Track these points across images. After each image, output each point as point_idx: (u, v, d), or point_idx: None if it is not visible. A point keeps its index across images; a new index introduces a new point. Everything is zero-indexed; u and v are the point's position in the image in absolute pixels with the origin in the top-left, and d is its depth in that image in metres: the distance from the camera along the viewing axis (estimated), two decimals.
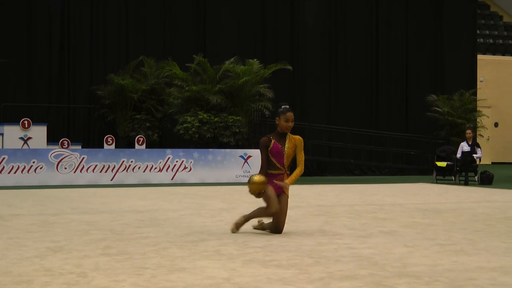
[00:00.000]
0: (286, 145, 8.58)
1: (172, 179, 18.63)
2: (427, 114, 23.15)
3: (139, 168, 18.47)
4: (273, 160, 8.55)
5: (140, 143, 19.36)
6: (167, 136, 21.02)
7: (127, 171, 18.36)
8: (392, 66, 24.85)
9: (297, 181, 19.84)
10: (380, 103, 24.38)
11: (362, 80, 24.22)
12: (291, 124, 8.55)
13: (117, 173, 18.27)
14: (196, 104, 19.75)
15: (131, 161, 18.43)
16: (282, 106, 8.67)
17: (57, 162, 17.80)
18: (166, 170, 18.66)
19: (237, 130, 19.44)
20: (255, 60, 20.37)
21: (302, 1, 23.56)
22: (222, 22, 22.54)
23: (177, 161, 18.75)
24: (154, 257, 6.63)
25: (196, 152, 18.97)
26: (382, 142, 23.84)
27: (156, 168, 18.59)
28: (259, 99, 20.25)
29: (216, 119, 19.42)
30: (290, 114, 8.56)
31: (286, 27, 23.33)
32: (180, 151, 18.91)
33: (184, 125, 19.29)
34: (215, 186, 17.31)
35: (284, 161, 8.57)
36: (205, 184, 18.21)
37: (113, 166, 18.26)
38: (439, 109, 23.07)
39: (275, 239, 7.94)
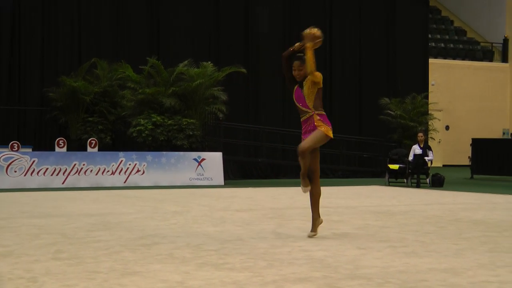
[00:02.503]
0: (304, 88, 8.59)
1: (125, 182, 18.50)
2: (380, 117, 23.33)
3: (91, 171, 18.29)
4: (299, 105, 8.63)
5: (92, 146, 19.18)
6: (120, 139, 20.87)
7: (79, 174, 18.18)
8: (346, 69, 25.01)
9: (252, 184, 19.87)
10: (334, 106, 24.49)
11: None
12: (297, 72, 8.61)
13: (69, 176, 18.08)
14: (150, 107, 19.64)
15: (83, 164, 18.25)
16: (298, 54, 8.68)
17: (6, 165, 17.55)
18: (119, 173, 18.52)
19: (191, 133, 19.38)
20: (209, 62, 20.32)
21: (256, 5, 23.59)
22: (176, 24, 22.44)
23: (130, 164, 18.62)
24: (106, 261, 6.57)
25: (149, 155, 18.87)
26: (335, 145, 23.96)
27: (108, 171, 18.44)
28: (213, 101, 20.21)
29: (169, 121, 19.34)
30: (295, 63, 8.63)
31: (240, 30, 23.33)
32: (133, 154, 18.78)
33: (137, 128, 19.17)
34: (169, 189, 17.23)
35: (307, 102, 8.61)
36: (158, 187, 18.12)
37: (65, 169, 18.07)
38: (392, 112, 23.27)
39: (229, 242, 7.93)
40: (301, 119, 8.64)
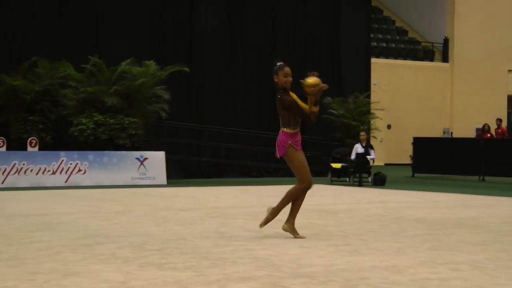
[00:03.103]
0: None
1: (66, 181, 18.26)
2: (323, 117, 23.44)
3: (31, 170, 18.02)
4: (297, 117, 8.31)
5: (32, 145, 18.87)
6: (62, 138, 20.57)
7: (18, 174, 17.89)
8: (290, 68, 25.05)
9: (195, 183, 19.83)
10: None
11: (260, 83, 24.32)
12: (290, 79, 8.42)
13: (8, 176, 17.78)
14: (92, 106, 19.43)
15: (23, 164, 17.97)
16: (278, 63, 8.58)
17: None
18: (60, 173, 18.28)
19: (133, 132, 19.22)
20: (152, 61, 20.19)
21: (200, 3, 23.50)
22: (119, 23, 22.22)
23: (71, 164, 18.39)
24: (47, 262, 6.47)
25: (91, 155, 18.67)
26: None
27: (49, 170, 18.19)
28: (156, 100, 20.08)
29: (112, 120, 19.15)
30: (287, 69, 8.49)
31: (183, 28, 23.20)
32: (75, 154, 18.56)
33: (79, 127, 18.95)
34: (111, 189, 17.08)
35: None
36: (100, 186, 17.94)
37: (4, 169, 17.76)
38: (335, 112, 23.42)
39: (171, 242, 7.88)
40: (296, 131, 8.36)
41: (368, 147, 19.74)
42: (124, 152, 18.98)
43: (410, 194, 16.00)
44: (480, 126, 27.86)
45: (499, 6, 34.60)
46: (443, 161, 23.51)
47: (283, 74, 8.44)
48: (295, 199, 8.39)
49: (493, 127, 27.12)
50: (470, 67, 34.46)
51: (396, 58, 34.99)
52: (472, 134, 31.71)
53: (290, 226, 8.34)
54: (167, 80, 20.40)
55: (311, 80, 8.36)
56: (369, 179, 19.47)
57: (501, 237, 8.58)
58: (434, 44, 36.46)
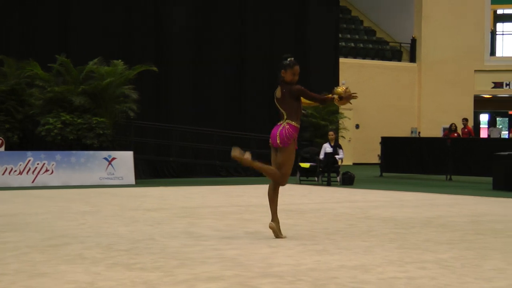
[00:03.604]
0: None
1: (33, 182, 18.10)
2: None
3: None
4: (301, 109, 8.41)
5: None
6: (28, 138, 20.39)
7: None
8: (258, 68, 25.04)
9: (163, 183, 19.73)
10: (246, 104, 24.54)
11: (228, 83, 24.31)
12: (297, 78, 8.45)
13: None
14: (59, 105, 19.28)
15: None
16: (288, 59, 8.52)
17: None
18: (27, 173, 18.11)
19: (101, 132, 19.11)
20: (119, 61, 20.08)
21: (168, 3, 23.41)
22: (86, 22, 22.05)
23: (38, 164, 18.23)
24: (13, 263, 6.41)
25: (58, 154, 18.52)
26: (247, 144, 24.01)
27: (16, 171, 18.01)
28: (124, 100, 19.97)
29: (79, 120, 19.02)
30: (297, 68, 8.49)
31: (152, 28, 23.10)
32: (42, 153, 18.40)
33: (46, 127, 18.79)
34: (79, 189, 16.96)
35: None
36: (68, 187, 17.80)
37: None
38: (303, 111, 23.44)
39: (140, 242, 7.84)
40: (299, 126, 8.42)
41: (336, 146, 19.81)
42: (92, 152, 18.86)
43: (378, 194, 16.08)
44: (447, 126, 28.08)
45: (465, 7, 34.92)
46: (410, 161, 23.66)
47: (292, 73, 8.43)
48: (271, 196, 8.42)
49: (459, 126, 27.35)
50: (437, 67, 34.74)
51: (364, 58, 35.16)
52: (439, 133, 31.96)
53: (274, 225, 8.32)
54: (135, 80, 20.31)
55: (340, 89, 8.44)
56: (338, 178, 19.53)
57: (468, 236, 8.66)
58: (402, 44, 36.70)
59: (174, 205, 12.66)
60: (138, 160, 20.07)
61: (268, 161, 8.51)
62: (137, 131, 21.36)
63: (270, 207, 8.37)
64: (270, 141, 8.35)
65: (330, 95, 8.45)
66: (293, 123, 8.27)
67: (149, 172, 21.65)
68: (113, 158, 19.01)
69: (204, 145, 23.10)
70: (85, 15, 21.99)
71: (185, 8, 23.67)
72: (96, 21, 22.09)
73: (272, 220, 8.30)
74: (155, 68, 20.22)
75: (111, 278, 5.77)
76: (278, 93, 8.43)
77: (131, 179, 19.12)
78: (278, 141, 8.21)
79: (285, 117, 8.30)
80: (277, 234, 8.29)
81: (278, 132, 8.24)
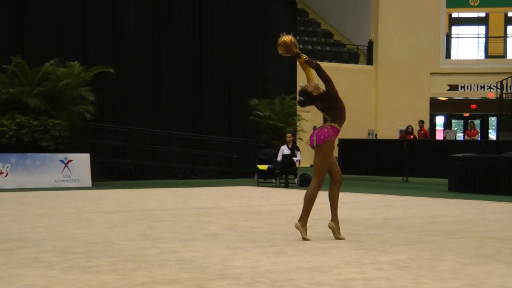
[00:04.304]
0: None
1: None
2: (249, 118, 23.51)
3: None
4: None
5: None
6: None
7: None
8: (216, 70, 25.02)
9: (120, 186, 19.58)
10: (204, 107, 24.48)
11: (186, 84, 24.23)
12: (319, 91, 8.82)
13: None
14: (14, 107, 19.05)
15: None
16: (304, 89, 8.80)
17: None
18: None
19: (57, 134, 18.91)
20: (76, 62, 19.90)
21: (125, 4, 23.27)
22: (42, 23, 21.83)
23: None
24: None
25: (13, 157, 18.29)
26: (205, 146, 23.97)
27: None
28: (80, 102, 19.80)
29: (35, 122, 18.81)
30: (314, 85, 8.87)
31: (108, 29, 22.93)
32: None
33: (0, 129, 18.55)
34: (34, 192, 16.76)
35: None
36: (23, 189, 17.57)
37: None
38: (261, 113, 23.49)
39: (97, 244, 7.78)
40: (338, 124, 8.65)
41: (294, 148, 19.87)
42: (47, 154, 18.66)
43: None
44: (404, 128, 28.30)
45: (421, 11, 35.25)
46: (367, 162, 23.82)
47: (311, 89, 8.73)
48: (313, 199, 8.61)
49: (416, 128, 27.59)
50: (394, 70, 35.02)
51: (321, 60, 35.19)
52: (395, 135, 32.19)
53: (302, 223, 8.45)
54: (92, 81, 20.16)
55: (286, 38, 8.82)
56: (295, 180, 19.58)
57: (424, 237, 8.74)
58: (359, 47, 36.92)
59: (131, 208, 12.58)
60: (94, 163, 19.91)
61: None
62: (93, 133, 21.19)
63: (304, 210, 8.52)
64: (309, 143, 8.61)
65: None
66: (336, 125, 8.51)
67: (106, 175, 21.49)
68: (69, 161, 18.83)
69: (161, 147, 23.01)
70: (41, 16, 21.76)
71: (142, 9, 23.56)
72: (52, 22, 21.88)
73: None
74: (112, 70, 20.09)
75: (67, 281, 5.71)
76: (318, 105, 8.72)
77: (88, 182, 18.96)
78: (314, 141, 8.46)
79: (329, 120, 8.56)
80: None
81: (316, 133, 8.51)
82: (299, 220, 8.45)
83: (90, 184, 18.91)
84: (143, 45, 23.38)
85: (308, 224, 9.97)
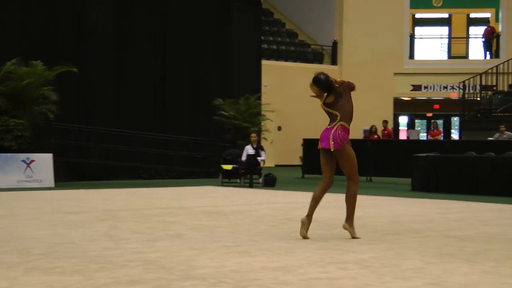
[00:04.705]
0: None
1: None
2: (214, 118, 23.48)
3: None
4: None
5: None
6: None
7: None
8: (181, 70, 24.93)
9: (84, 186, 19.43)
10: (168, 106, 24.39)
11: (150, 84, 24.12)
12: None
13: None
14: None
15: None
16: (319, 76, 8.79)
17: None
18: None
19: (20, 134, 18.71)
20: (39, 61, 19.71)
21: (88, 3, 23.10)
22: (3, 21, 21.60)
23: None
24: None
25: None
26: (170, 146, 23.89)
27: None
28: (43, 102, 19.62)
29: None
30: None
31: (71, 29, 22.74)
32: None
33: None
34: None
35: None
36: None
37: None
38: (226, 113, 23.46)
39: (59, 245, 7.70)
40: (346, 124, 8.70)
41: (259, 148, 19.88)
42: (9, 155, 18.46)
43: (300, 195, 16.18)
44: (368, 128, 28.50)
45: (385, 11, 35.49)
46: None
47: (334, 79, 8.74)
48: (354, 199, 8.79)
49: (380, 128, 27.78)
50: (358, 70, 35.18)
51: (286, 60, 35.37)
52: (359, 135, 32.35)
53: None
54: (55, 81, 19.98)
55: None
56: (260, 180, 19.60)
57: (388, 236, 8.79)
58: (323, 47, 37.07)
59: (94, 208, 12.49)
60: (57, 163, 19.74)
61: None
62: (57, 133, 20.99)
63: (347, 209, 8.72)
64: (320, 145, 8.80)
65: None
66: (346, 125, 8.59)
67: (69, 175, 21.31)
68: (32, 161, 18.65)
69: (126, 147, 22.89)
70: (2, 14, 21.51)
71: (105, 8, 23.39)
72: (13, 20, 21.63)
73: (347, 221, 8.67)
74: (75, 69, 19.94)
75: (29, 282, 5.65)
76: (330, 98, 8.68)
77: (51, 182, 18.79)
78: (331, 145, 8.60)
79: (338, 118, 8.59)
80: (354, 234, 8.59)
81: (331, 135, 8.59)
82: (346, 221, 8.65)
83: (53, 185, 18.75)
84: (106, 44, 23.22)
85: (272, 224, 9.99)
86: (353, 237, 8.52)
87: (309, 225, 8.57)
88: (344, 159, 8.65)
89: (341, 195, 16.30)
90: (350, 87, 8.72)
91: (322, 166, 8.92)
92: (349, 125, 8.64)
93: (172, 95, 24.57)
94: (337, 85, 8.63)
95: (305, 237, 8.42)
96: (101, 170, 22.65)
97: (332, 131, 8.58)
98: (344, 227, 8.64)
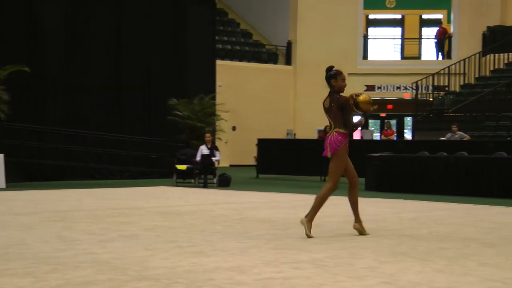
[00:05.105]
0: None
1: None
2: (168, 118, 23.36)
3: None
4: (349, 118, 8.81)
5: None
6: None
7: None
8: (135, 70, 24.75)
9: (35, 187, 19.24)
10: (122, 106, 24.22)
11: (104, 84, 23.91)
12: (345, 84, 9.00)
13: None
14: None
15: None
16: (333, 69, 8.99)
17: None
18: None
19: None
20: None
21: (40, 1, 22.82)
22: None
23: None
24: None
25: None
26: (123, 146, 23.73)
27: None
28: None
29: None
30: (344, 75, 9.02)
31: (23, 27, 22.46)
32: None
33: None
34: None
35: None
36: None
37: None
38: (180, 113, 23.37)
39: (10, 247, 7.59)
40: (348, 132, 8.85)
41: (213, 148, 19.85)
42: None
43: (254, 195, 16.20)
44: (322, 128, 28.61)
45: (339, 12, 35.68)
46: (286, 162, 23.97)
47: (342, 79, 8.95)
48: (321, 200, 8.84)
49: None
50: (312, 70, 35.28)
51: (241, 60, 35.37)
52: (314, 135, 32.51)
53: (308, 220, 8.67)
54: (6, 80, 19.71)
55: (368, 98, 8.90)
56: (214, 180, 19.57)
57: (342, 236, 8.84)
58: (278, 47, 37.16)
59: (46, 209, 12.34)
60: (9, 163, 19.47)
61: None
62: (8, 133, 20.71)
63: (312, 208, 8.76)
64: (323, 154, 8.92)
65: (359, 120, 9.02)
66: (341, 130, 8.74)
67: (20, 175, 21.02)
68: None
69: (78, 147, 22.67)
70: None
71: (57, 6, 23.12)
72: None
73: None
74: (26, 69, 19.69)
75: None
76: (326, 103, 8.97)
77: (1, 183, 18.54)
78: (328, 152, 8.81)
79: (333, 126, 8.79)
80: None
81: (328, 143, 8.79)
82: (306, 216, 8.70)
83: (4, 185, 18.49)
84: (59, 43, 22.97)
85: (227, 224, 9.97)
86: (307, 235, 8.54)
87: (362, 224, 8.97)
88: (334, 161, 8.88)
89: (293, 195, 16.39)
90: (363, 111, 8.88)
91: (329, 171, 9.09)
92: (346, 130, 8.80)
93: (126, 95, 24.40)
94: (342, 94, 8.89)
95: (309, 235, 8.55)
96: (53, 170, 22.40)
97: (329, 138, 8.82)
98: (302, 222, 8.66)
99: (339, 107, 8.79)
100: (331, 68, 9.04)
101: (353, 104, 8.79)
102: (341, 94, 8.90)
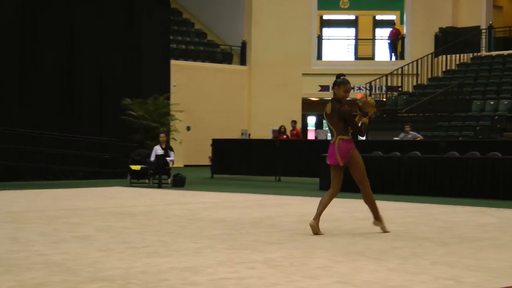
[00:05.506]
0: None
1: None
2: (122, 118, 23.20)
3: None
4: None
5: None
6: None
7: None
8: (88, 69, 24.52)
9: None
10: (75, 106, 23.98)
11: (57, 83, 23.64)
12: (348, 96, 9.04)
13: None
14: None
15: None
16: (341, 77, 9.05)
17: None
18: None
19: None
20: None
21: None
22: None
23: None
24: None
25: None
26: (76, 146, 23.50)
27: None
28: None
29: None
30: (349, 86, 9.05)
31: None
32: None
33: None
34: None
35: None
36: None
37: None
38: (134, 113, 23.22)
39: None
40: (351, 137, 9.09)
41: (167, 148, 19.78)
42: None
43: (208, 195, 16.18)
44: (277, 128, 28.71)
45: (294, 12, 35.79)
46: (240, 162, 23.98)
47: (344, 89, 9.01)
48: (371, 198, 9.22)
49: (288, 128, 28.01)
50: (266, 70, 35.42)
51: (195, 60, 35.27)
52: (268, 135, 32.58)
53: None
54: None
55: (372, 101, 9.16)
56: (169, 180, 19.50)
57: (296, 236, 8.86)
58: (232, 47, 37.15)
59: None
60: None
61: None
62: None
63: (371, 210, 9.25)
64: (328, 161, 9.08)
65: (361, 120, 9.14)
66: (345, 137, 8.90)
67: None
68: None
69: (30, 147, 22.39)
70: None
71: (10, 5, 22.82)
72: None
73: (376, 219, 9.25)
74: None
75: None
76: (328, 109, 9.04)
77: None
78: (339, 161, 8.94)
79: (335, 134, 8.92)
80: (384, 229, 9.21)
81: (336, 152, 8.92)
82: (375, 219, 9.25)
83: None
84: (9, 42, 22.65)
85: (181, 224, 9.94)
86: (384, 231, 9.07)
87: (318, 225, 8.99)
88: (352, 166, 9.06)
89: (248, 194, 16.41)
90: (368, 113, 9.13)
91: (331, 178, 9.26)
92: (349, 135, 8.97)
93: (79, 95, 24.17)
94: (345, 102, 9.01)
95: (317, 233, 8.86)
96: (3, 171, 22.08)
97: (336, 147, 8.95)
98: (375, 224, 9.19)
99: (340, 118, 8.92)
100: (340, 76, 9.15)
101: (357, 108, 9.07)
102: (342, 102, 9.01)
